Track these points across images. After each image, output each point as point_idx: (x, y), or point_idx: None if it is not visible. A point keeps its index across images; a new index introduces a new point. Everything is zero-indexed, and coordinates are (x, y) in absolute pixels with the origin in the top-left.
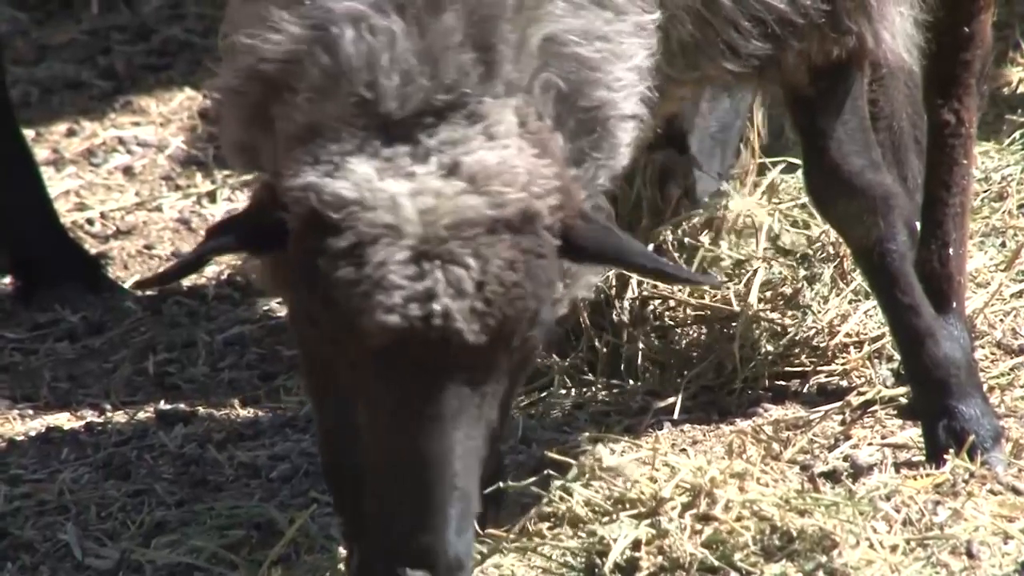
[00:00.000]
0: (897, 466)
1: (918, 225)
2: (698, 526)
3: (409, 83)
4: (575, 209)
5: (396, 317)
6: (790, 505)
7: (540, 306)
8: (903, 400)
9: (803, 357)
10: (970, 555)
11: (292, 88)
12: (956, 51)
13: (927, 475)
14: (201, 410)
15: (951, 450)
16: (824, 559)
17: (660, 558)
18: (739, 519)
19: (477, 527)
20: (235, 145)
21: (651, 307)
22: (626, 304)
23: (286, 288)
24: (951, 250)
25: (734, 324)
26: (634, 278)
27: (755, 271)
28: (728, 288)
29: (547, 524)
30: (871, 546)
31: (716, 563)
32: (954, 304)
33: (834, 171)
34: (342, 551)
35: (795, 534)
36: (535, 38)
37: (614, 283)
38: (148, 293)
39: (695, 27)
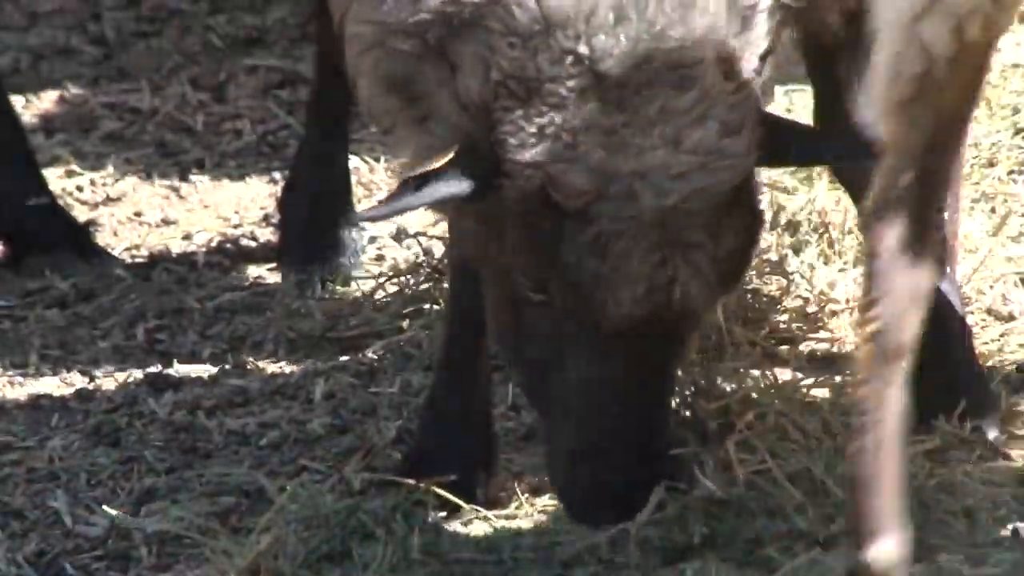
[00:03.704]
0: None
1: None
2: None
3: (623, 35)
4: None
5: (640, 308)
6: None
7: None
8: None
9: (792, 324)
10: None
11: (489, 29)
12: None
13: (917, 441)
14: (191, 376)
15: (941, 416)
16: None
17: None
18: None
19: (463, 501)
20: (387, 81)
21: None
22: None
23: (496, 240)
24: (944, 214)
25: None
26: None
27: None
28: None
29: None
30: None
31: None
32: (947, 269)
33: (849, 123)
34: (331, 518)
35: None
36: None
37: None
38: (137, 260)
39: None
